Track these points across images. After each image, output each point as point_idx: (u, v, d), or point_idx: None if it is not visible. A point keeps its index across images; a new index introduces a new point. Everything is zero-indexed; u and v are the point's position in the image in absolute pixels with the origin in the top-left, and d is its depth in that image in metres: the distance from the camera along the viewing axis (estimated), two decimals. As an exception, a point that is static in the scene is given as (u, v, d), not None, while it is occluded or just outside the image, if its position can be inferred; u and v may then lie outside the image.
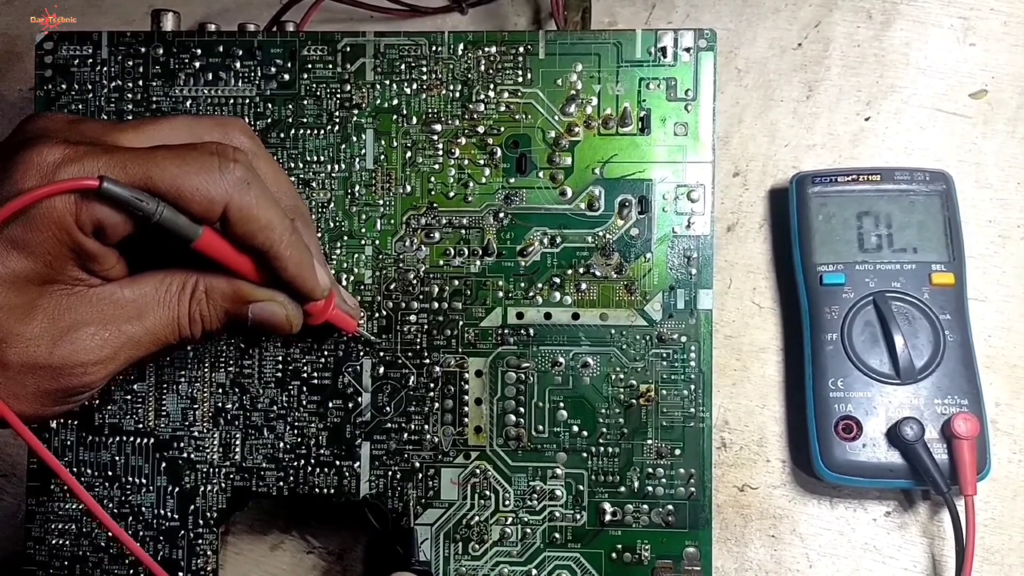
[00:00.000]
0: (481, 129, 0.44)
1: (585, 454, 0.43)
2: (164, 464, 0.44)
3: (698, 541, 0.42)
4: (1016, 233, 0.47)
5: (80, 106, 0.44)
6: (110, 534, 0.43)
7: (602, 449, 0.43)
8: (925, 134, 0.48)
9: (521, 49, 0.43)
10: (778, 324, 0.48)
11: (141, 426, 0.44)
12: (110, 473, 0.44)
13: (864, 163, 0.48)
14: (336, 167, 0.44)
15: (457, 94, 0.44)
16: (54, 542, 0.44)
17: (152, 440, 0.44)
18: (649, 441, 0.43)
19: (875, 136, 0.48)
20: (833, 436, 0.43)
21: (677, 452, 0.43)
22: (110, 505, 0.44)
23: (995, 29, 0.48)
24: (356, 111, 0.44)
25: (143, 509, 0.44)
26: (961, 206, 0.45)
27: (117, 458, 0.44)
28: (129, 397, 0.44)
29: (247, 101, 0.44)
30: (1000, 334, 0.47)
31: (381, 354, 0.43)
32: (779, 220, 0.48)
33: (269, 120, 0.44)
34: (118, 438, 0.44)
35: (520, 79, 0.43)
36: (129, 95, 0.44)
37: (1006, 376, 0.46)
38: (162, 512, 0.44)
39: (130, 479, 0.44)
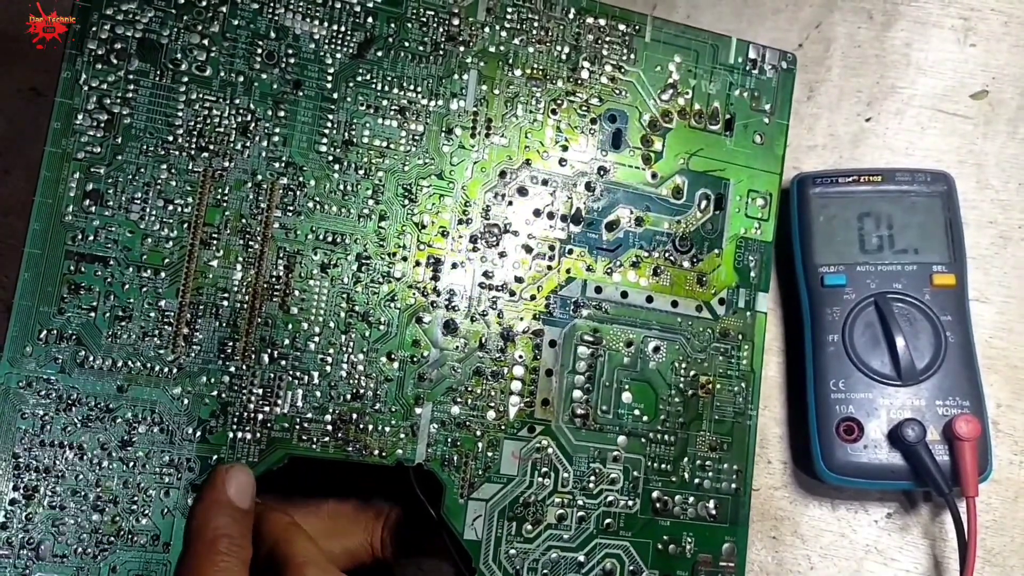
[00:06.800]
0: (583, 95, 0.42)
1: (644, 439, 0.42)
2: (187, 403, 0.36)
3: (735, 537, 0.43)
4: (1017, 234, 0.48)
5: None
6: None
7: (660, 436, 0.42)
8: (926, 135, 0.49)
9: (627, 28, 0.43)
10: (779, 325, 0.47)
11: (163, 352, 0.36)
12: (111, 405, 0.35)
13: (865, 164, 0.48)
14: (433, 102, 0.40)
15: (564, 56, 0.42)
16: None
17: (176, 370, 0.36)
18: (703, 433, 0.43)
19: (876, 137, 0.49)
20: (834, 437, 0.43)
21: (726, 447, 0.43)
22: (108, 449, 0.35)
23: (996, 30, 0.49)
24: (463, 48, 0.41)
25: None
26: (962, 207, 0.45)
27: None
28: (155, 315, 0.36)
29: (347, 8, 0.39)
30: (1001, 335, 0.47)
31: (453, 312, 0.40)
32: (780, 221, 0.47)
33: (367, 35, 0.40)
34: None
35: (624, 57, 0.43)
36: (206, -32, 0.38)
37: (1007, 377, 0.47)
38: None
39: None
